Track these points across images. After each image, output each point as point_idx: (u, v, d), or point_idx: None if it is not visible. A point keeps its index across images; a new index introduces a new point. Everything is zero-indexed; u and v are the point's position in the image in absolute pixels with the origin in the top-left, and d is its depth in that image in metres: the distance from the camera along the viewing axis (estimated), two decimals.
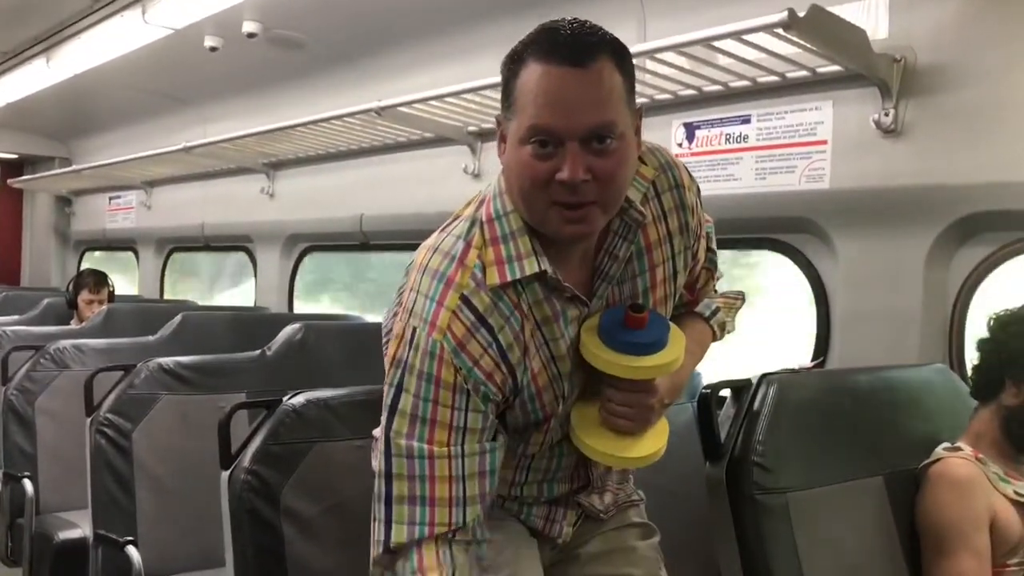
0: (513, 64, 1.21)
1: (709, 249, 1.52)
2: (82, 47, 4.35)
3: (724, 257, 1.67)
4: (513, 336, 1.27)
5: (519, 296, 1.28)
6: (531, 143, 1.18)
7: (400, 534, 1.25)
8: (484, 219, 1.30)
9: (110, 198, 6.66)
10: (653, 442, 1.37)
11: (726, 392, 1.73)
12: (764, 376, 1.69)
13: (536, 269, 1.26)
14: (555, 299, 1.29)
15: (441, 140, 3.57)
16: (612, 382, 1.32)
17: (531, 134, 1.18)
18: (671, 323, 1.39)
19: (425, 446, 1.25)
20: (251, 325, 3.57)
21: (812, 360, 2.45)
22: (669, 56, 2.43)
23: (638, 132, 1.27)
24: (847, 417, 1.81)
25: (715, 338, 1.56)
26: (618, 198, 1.24)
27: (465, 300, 1.25)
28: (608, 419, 1.34)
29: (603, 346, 1.29)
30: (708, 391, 1.67)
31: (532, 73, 1.18)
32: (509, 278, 1.26)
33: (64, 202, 7.41)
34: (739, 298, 1.62)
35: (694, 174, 1.45)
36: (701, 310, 1.54)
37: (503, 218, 1.29)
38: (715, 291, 1.60)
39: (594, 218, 1.22)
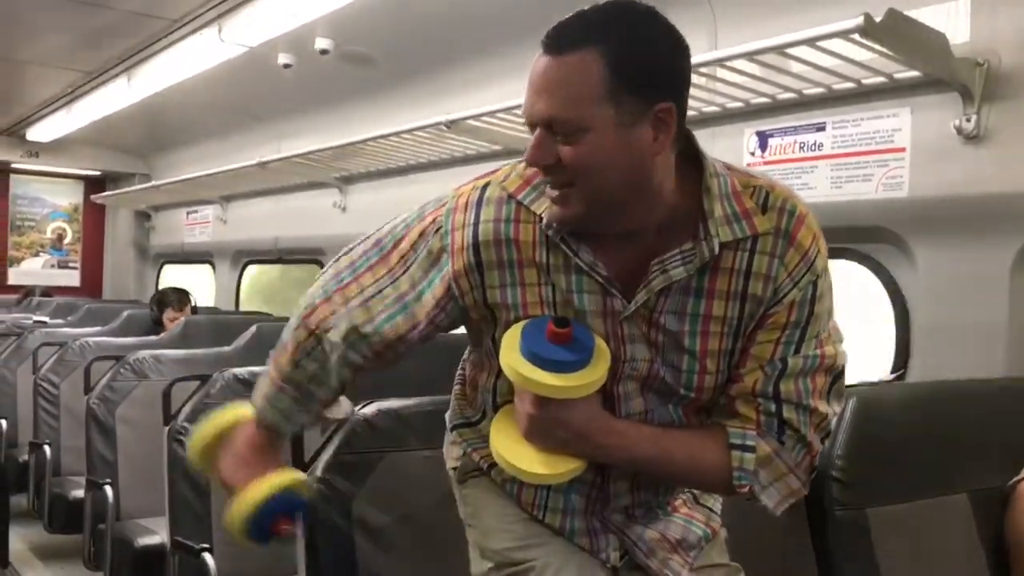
0: None
1: (788, 381, 1.25)
2: (161, 66, 4.48)
3: None
4: (495, 236, 1.27)
5: (534, 226, 1.26)
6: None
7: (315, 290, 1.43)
8: None
9: (188, 213, 6.84)
10: (548, 464, 1.28)
11: None
12: None
13: (540, 211, 1.25)
14: (571, 257, 1.25)
15: (509, 153, 3.59)
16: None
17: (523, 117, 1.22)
18: (601, 353, 1.24)
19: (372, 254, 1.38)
20: None
21: (892, 372, 2.39)
22: (741, 64, 2.39)
23: (663, 127, 1.16)
24: (929, 431, 1.75)
25: (725, 472, 1.27)
26: (602, 187, 1.17)
27: (476, 216, 1.29)
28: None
29: (514, 347, 1.25)
30: None
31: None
32: (519, 196, 1.28)
33: (144, 217, 7.63)
34: (798, 481, 1.29)
35: None
36: (731, 431, 1.28)
37: None
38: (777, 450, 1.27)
39: (572, 203, 1.19)
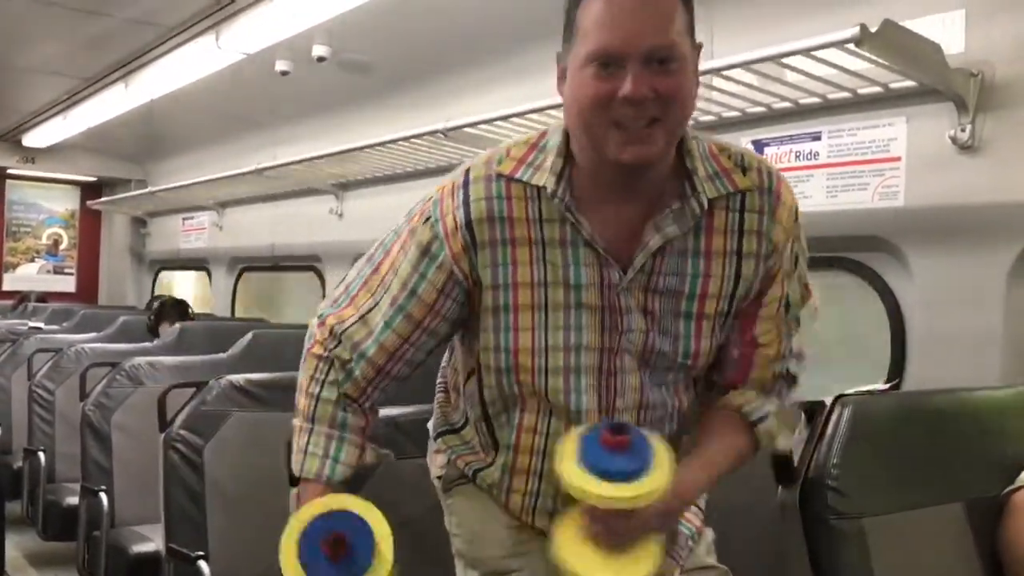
0: None
1: (790, 320, 1.37)
2: (159, 72, 4.48)
3: None
4: (488, 214, 1.27)
5: (527, 202, 1.28)
6: (593, 65, 1.18)
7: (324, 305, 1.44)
8: (534, 138, 1.33)
9: (184, 219, 6.83)
10: (628, 568, 1.23)
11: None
12: (838, 397, 1.64)
13: (542, 183, 1.26)
14: (569, 230, 1.27)
15: None
16: None
17: (594, 57, 1.18)
18: (660, 450, 1.22)
19: (370, 270, 1.38)
20: None
21: (887, 382, 2.39)
22: (737, 73, 2.40)
23: (696, 72, 1.25)
24: (925, 440, 1.75)
25: (754, 451, 1.39)
26: (681, 121, 1.22)
27: (466, 197, 1.29)
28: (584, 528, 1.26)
29: (573, 461, 1.21)
30: None
31: (595, 1, 1.19)
32: (517, 175, 1.28)
33: (140, 223, 7.62)
34: (793, 412, 1.44)
35: None
36: (749, 411, 1.36)
37: (549, 137, 1.31)
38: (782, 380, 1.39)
39: (656, 139, 1.19)
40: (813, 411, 1.67)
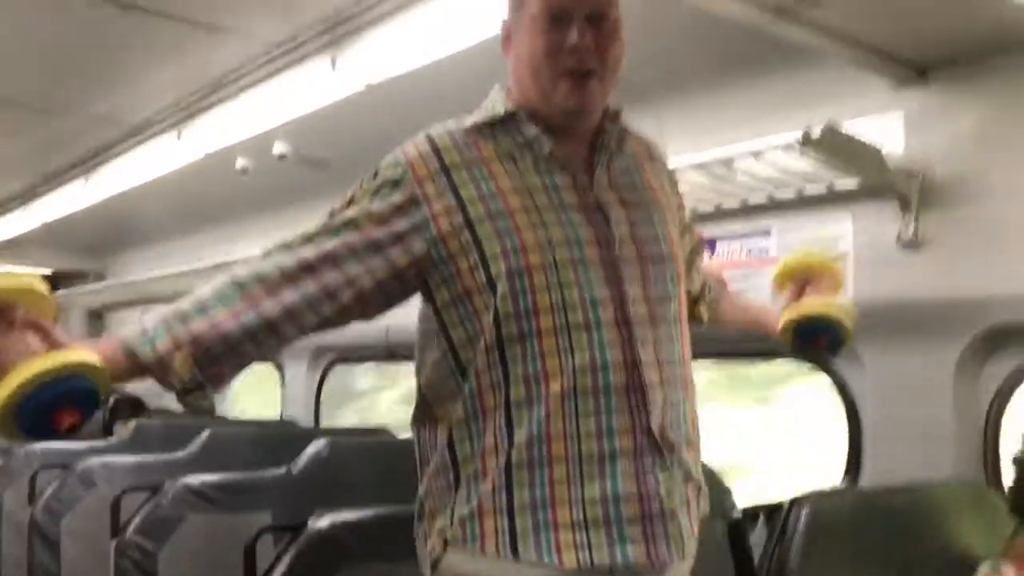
0: None
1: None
2: (120, 168, 4.49)
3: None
4: (453, 144, 1.41)
5: (486, 140, 1.43)
6: (545, 19, 1.37)
7: None
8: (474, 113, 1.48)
9: (142, 313, 6.74)
10: None
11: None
12: (796, 499, 1.66)
13: (502, 111, 1.43)
14: (527, 152, 1.42)
15: None
16: None
17: (546, 11, 1.37)
18: None
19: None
20: (279, 440, 3.57)
21: (844, 476, 2.41)
22: (688, 173, 2.47)
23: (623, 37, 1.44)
24: (882, 538, 1.77)
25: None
26: (613, 73, 1.41)
27: (428, 136, 1.43)
28: None
29: None
30: (741, 515, 1.65)
31: None
32: (479, 119, 1.44)
33: (97, 317, 7.52)
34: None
35: None
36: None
37: (487, 104, 1.47)
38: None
39: (594, 90, 1.39)
40: (772, 512, 1.68)
